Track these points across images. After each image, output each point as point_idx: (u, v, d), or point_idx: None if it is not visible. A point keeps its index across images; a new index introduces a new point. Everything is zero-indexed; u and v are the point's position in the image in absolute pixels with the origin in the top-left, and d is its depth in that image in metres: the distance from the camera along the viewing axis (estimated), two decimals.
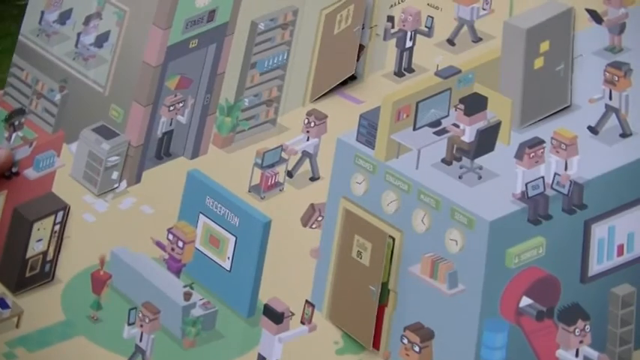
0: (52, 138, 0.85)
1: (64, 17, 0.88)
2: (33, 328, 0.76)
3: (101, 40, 0.85)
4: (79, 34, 0.87)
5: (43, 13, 0.88)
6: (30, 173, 0.84)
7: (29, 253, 0.79)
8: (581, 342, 0.62)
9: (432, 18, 0.75)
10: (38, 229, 0.79)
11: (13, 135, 0.86)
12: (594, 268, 0.64)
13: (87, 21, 0.87)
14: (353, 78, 0.75)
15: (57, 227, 0.78)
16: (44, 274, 0.77)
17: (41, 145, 0.85)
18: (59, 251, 0.78)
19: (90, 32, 0.86)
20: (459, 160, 0.69)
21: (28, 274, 0.78)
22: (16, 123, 0.86)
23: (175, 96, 0.81)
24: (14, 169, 0.84)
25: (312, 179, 0.73)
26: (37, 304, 0.77)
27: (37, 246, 0.78)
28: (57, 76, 0.86)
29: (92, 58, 0.85)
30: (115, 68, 0.84)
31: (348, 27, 0.77)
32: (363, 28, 0.76)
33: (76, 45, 0.86)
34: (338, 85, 0.75)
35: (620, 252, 0.63)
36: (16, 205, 0.82)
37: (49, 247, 0.78)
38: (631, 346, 0.61)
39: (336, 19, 0.78)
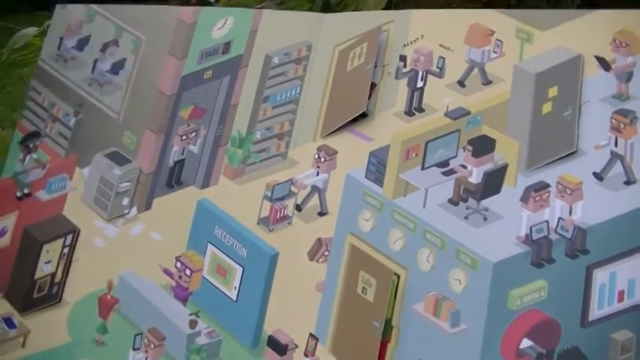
0: (64, 161, 0.86)
1: (82, 43, 0.89)
2: (38, 349, 0.77)
3: (117, 67, 0.87)
4: (95, 61, 0.88)
5: (62, 39, 0.90)
6: (42, 195, 0.85)
7: (38, 274, 0.80)
8: None
9: (444, 59, 0.76)
10: (47, 251, 0.80)
11: (28, 157, 0.87)
12: (595, 312, 0.64)
13: (104, 48, 0.88)
14: (364, 115, 0.76)
15: (66, 250, 0.79)
16: (52, 295, 0.78)
17: (54, 168, 0.86)
18: (67, 273, 0.79)
19: (106, 59, 0.88)
20: (465, 200, 0.70)
21: (35, 295, 0.79)
22: (31, 145, 0.88)
23: (188, 125, 0.82)
24: (26, 191, 0.86)
25: (321, 214, 0.74)
26: (43, 324, 0.78)
27: (45, 267, 0.80)
28: (72, 101, 0.88)
29: (107, 85, 0.86)
30: (130, 95, 0.86)
31: (360, 64, 0.78)
32: (375, 67, 0.78)
33: (93, 71, 0.88)
34: (349, 121, 0.76)
35: (621, 298, 0.64)
36: (26, 226, 0.83)
37: (57, 269, 0.79)
38: None
39: (349, 56, 0.79)
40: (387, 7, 1.02)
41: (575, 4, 0.97)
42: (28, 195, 0.85)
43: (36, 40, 1.23)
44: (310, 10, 1.10)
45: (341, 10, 1.05)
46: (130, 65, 0.87)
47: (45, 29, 1.21)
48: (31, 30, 1.24)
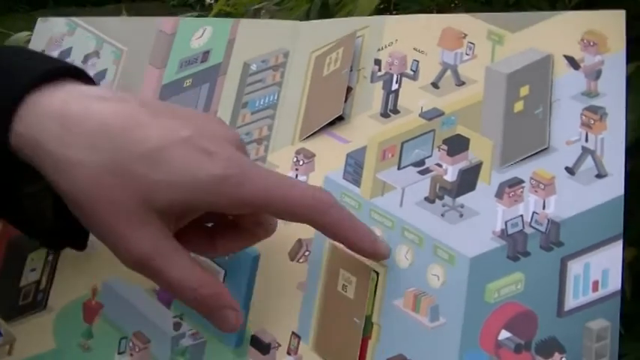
0: None
1: (63, 55, 0.90)
2: (25, 356, 0.77)
3: (98, 78, 0.88)
4: None
5: (44, 52, 0.91)
6: None
7: (22, 282, 0.80)
8: None
9: (418, 62, 0.78)
10: (32, 259, 0.81)
11: None
12: (570, 302, 0.66)
13: (85, 59, 0.90)
14: (340, 118, 0.78)
15: (50, 257, 0.80)
16: (37, 302, 0.79)
17: None
18: (52, 281, 0.79)
19: (88, 70, 0.88)
20: (441, 198, 0.72)
21: (21, 303, 0.79)
22: None
23: None
24: None
25: None
26: (29, 332, 0.78)
27: (30, 275, 0.80)
28: None
29: None
30: None
31: (336, 69, 0.80)
32: (351, 71, 0.79)
33: None
34: (326, 124, 0.78)
35: (595, 288, 0.66)
36: (10, 235, 0.83)
37: (42, 276, 0.79)
38: None
39: (325, 61, 0.81)
40: (386, 7, 1.04)
41: (573, 3, 0.99)
42: None
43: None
44: (309, 10, 1.12)
45: (339, 10, 1.07)
46: (111, 75, 0.88)
47: None
48: (23, 35, 1.25)
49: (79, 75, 0.63)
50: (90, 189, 0.57)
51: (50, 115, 0.57)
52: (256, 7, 1.32)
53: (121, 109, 0.58)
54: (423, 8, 1.19)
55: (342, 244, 0.68)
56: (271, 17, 1.27)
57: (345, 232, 0.65)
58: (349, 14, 1.06)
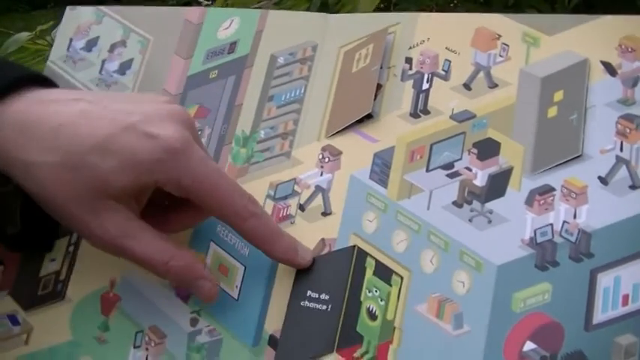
0: None
1: (90, 45, 0.90)
2: (41, 346, 0.77)
3: (124, 68, 0.87)
4: (103, 61, 0.89)
5: (71, 40, 0.90)
6: None
7: (42, 272, 0.80)
8: None
9: (450, 62, 0.77)
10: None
11: None
12: (599, 316, 0.64)
13: (112, 49, 0.89)
14: (369, 116, 0.76)
15: (71, 248, 0.79)
16: (56, 293, 0.78)
17: None
18: (71, 271, 0.79)
19: (114, 59, 0.88)
20: (469, 203, 0.70)
21: (40, 293, 0.79)
22: None
23: None
24: None
25: (324, 214, 0.74)
26: (46, 322, 0.78)
27: (50, 265, 0.80)
28: None
29: (114, 85, 0.87)
30: None
31: (366, 66, 0.78)
32: (381, 68, 0.78)
33: (100, 71, 0.88)
34: (354, 122, 0.76)
35: (625, 302, 0.64)
36: None
37: (62, 267, 0.79)
38: None
39: (355, 57, 0.80)
40: (386, 7, 1.03)
41: (572, 5, 0.97)
42: None
43: (30, 45, 1.24)
44: (308, 9, 1.11)
45: (338, 11, 1.05)
46: (137, 65, 0.87)
47: (38, 33, 1.23)
48: (23, 35, 1.25)
49: (40, 80, 0.70)
50: (52, 187, 0.64)
51: (12, 124, 0.64)
52: (255, 6, 1.30)
53: (73, 108, 0.65)
54: (422, 8, 1.18)
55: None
56: None
57: (259, 242, 0.70)
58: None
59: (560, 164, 0.69)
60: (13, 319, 0.79)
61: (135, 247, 0.66)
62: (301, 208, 0.75)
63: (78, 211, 0.64)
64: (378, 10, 1.12)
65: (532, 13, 0.86)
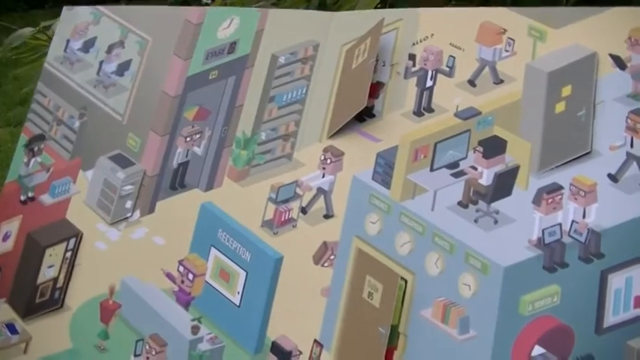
0: (68, 165, 0.85)
1: (87, 45, 0.88)
2: (40, 355, 0.76)
3: (122, 69, 0.86)
4: (101, 62, 0.88)
5: (68, 41, 0.89)
6: (45, 199, 0.84)
7: (40, 279, 0.79)
8: None
9: (454, 58, 0.75)
10: (50, 255, 0.79)
11: (32, 160, 0.86)
12: (610, 319, 0.62)
13: (110, 49, 0.88)
14: (371, 116, 0.75)
15: (68, 254, 0.78)
16: (54, 300, 0.77)
17: (58, 171, 0.85)
18: (70, 278, 0.77)
19: (112, 60, 0.87)
20: (475, 203, 0.68)
21: (38, 300, 0.78)
22: (36, 149, 0.87)
23: (193, 127, 0.81)
24: (30, 194, 0.85)
25: (326, 217, 0.72)
26: (45, 330, 0.77)
27: (48, 272, 0.79)
28: (77, 104, 0.87)
29: (112, 86, 0.85)
30: (135, 97, 0.85)
31: (363, 61, 0.76)
32: (383, 65, 0.76)
33: (98, 73, 0.87)
34: (356, 121, 0.74)
35: (638, 304, 0.62)
36: (29, 231, 0.81)
37: (59, 273, 0.78)
38: None
39: (355, 54, 0.78)
40: (383, 6, 1.01)
41: (571, 2, 0.95)
42: (32, 199, 0.85)
43: (31, 40, 1.23)
44: (306, 9, 1.09)
45: (337, 9, 1.03)
46: (136, 66, 0.86)
47: (40, 29, 1.22)
48: (27, 30, 1.25)
49: None
50: None
51: None
52: (254, 6, 1.29)
53: None
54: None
55: None
56: None
57: None
58: None
59: (569, 162, 0.67)
60: (12, 328, 0.77)
61: None
62: (303, 210, 0.73)
63: None
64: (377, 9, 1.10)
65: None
